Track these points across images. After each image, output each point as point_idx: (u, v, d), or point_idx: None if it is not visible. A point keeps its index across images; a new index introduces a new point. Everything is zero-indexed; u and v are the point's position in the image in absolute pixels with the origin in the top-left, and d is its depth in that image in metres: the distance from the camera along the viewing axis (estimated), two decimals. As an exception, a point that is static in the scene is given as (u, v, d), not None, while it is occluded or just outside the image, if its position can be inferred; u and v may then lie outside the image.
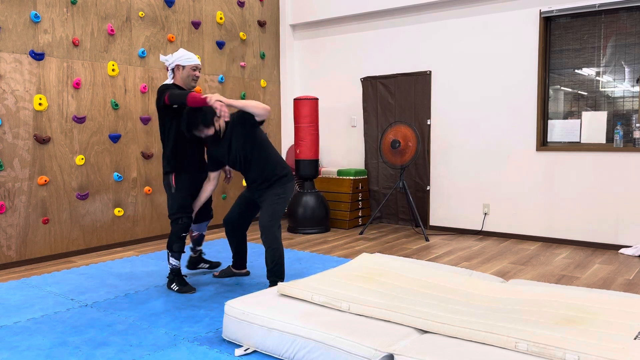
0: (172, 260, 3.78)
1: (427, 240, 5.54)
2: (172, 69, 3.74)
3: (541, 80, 5.35)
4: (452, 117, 5.91)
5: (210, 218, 4.11)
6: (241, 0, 6.46)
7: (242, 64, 6.54)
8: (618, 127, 4.99)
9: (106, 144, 5.16)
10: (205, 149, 3.83)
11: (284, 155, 7.20)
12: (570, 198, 5.25)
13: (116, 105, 5.19)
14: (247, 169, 3.62)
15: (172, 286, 3.77)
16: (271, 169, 3.61)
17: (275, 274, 3.55)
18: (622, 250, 4.92)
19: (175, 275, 3.79)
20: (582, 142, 5.25)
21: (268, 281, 3.65)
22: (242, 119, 3.53)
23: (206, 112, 3.46)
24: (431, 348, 2.21)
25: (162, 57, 3.76)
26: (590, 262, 4.62)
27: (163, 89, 3.63)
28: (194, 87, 3.81)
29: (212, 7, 6.13)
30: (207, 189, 3.81)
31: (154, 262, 4.63)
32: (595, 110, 5.19)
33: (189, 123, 3.48)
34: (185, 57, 3.70)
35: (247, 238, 5.73)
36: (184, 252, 3.83)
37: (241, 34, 6.50)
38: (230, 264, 4.20)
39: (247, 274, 4.17)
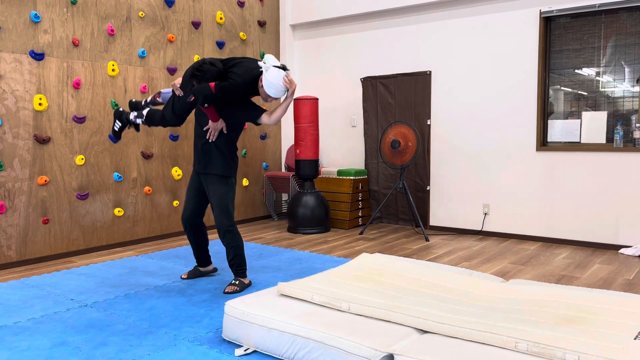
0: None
1: (427, 240, 5.54)
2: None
3: (541, 80, 5.35)
4: (452, 117, 5.91)
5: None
6: (241, 0, 6.46)
7: (242, 64, 6.53)
8: (618, 127, 4.99)
9: (106, 144, 5.16)
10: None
11: (283, 156, 7.21)
12: (570, 198, 5.25)
13: (116, 105, 5.19)
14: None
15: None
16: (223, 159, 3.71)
17: (237, 264, 3.76)
18: (622, 250, 4.92)
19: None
20: (582, 142, 5.25)
21: (232, 272, 3.85)
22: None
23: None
24: (431, 348, 2.21)
25: (269, 58, 3.55)
26: (590, 262, 4.62)
27: (255, 74, 3.52)
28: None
29: (212, 7, 6.13)
30: None
31: (154, 262, 4.63)
32: (595, 110, 5.19)
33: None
34: (271, 86, 3.51)
35: (246, 238, 5.73)
36: None
37: (241, 34, 6.50)
38: (196, 264, 4.21)
39: (215, 270, 4.20)
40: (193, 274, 4.10)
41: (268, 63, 3.49)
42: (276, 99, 3.62)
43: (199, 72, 3.47)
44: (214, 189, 3.69)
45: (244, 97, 3.63)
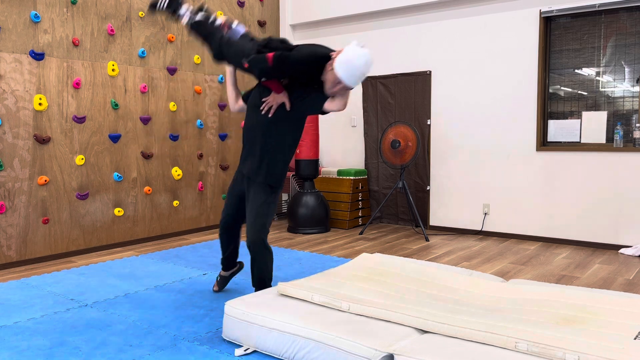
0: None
1: (427, 240, 5.54)
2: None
3: (541, 80, 5.35)
4: (452, 117, 5.91)
5: None
6: (241, 0, 6.46)
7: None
8: (618, 127, 4.99)
9: (106, 144, 5.16)
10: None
11: (284, 155, 7.20)
12: (570, 198, 5.25)
13: (116, 105, 5.19)
14: (266, 140, 3.12)
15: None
16: (279, 167, 3.17)
17: (262, 281, 3.25)
18: (622, 250, 4.92)
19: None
20: (582, 142, 5.25)
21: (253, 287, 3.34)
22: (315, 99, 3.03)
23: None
24: (431, 348, 2.21)
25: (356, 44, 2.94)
26: (590, 262, 4.62)
27: (321, 53, 2.92)
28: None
29: (212, 7, 6.12)
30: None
31: (154, 262, 4.63)
32: (595, 110, 5.19)
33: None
34: (349, 67, 2.83)
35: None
36: None
37: (241, 34, 6.49)
38: (221, 270, 3.72)
39: (242, 266, 3.78)
40: (222, 284, 3.73)
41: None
42: (347, 88, 2.91)
43: (265, 50, 2.95)
44: (256, 196, 3.14)
45: (305, 76, 3.01)
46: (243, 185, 3.29)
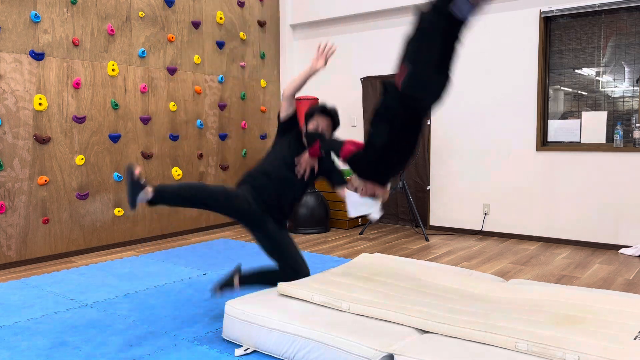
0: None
1: (427, 240, 5.54)
2: None
3: (541, 80, 5.35)
4: (452, 117, 5.91)
5: None
6: (241, 0, 6.46)
7: (242, 64, 6.54)
8: (618, 127, 4.99)
9: (106, 143, 5.16)
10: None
11: (284, 155, 7.19)
12: (570, 198, 5.25)
13: (116, 105, 5.19)
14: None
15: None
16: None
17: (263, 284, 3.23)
18: (622, 250, 4.92)
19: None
20: (582, 142, 5.25)
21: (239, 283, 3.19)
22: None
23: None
24: (431, 348, 2.21)
25: None
26: (590, 262, 4.62)
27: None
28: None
29: (212, 7, 6.13)
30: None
31: (154, 262, 4.63)
32: (595, 110, 5.19)
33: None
34: (351, 203, 2.95)
35: (246, 239, 5.72)
36: None
37: (241, 34, 6.50)
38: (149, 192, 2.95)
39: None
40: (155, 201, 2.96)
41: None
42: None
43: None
44: (287, 233, 3.28)
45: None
46: (255, 213, 3.06)
